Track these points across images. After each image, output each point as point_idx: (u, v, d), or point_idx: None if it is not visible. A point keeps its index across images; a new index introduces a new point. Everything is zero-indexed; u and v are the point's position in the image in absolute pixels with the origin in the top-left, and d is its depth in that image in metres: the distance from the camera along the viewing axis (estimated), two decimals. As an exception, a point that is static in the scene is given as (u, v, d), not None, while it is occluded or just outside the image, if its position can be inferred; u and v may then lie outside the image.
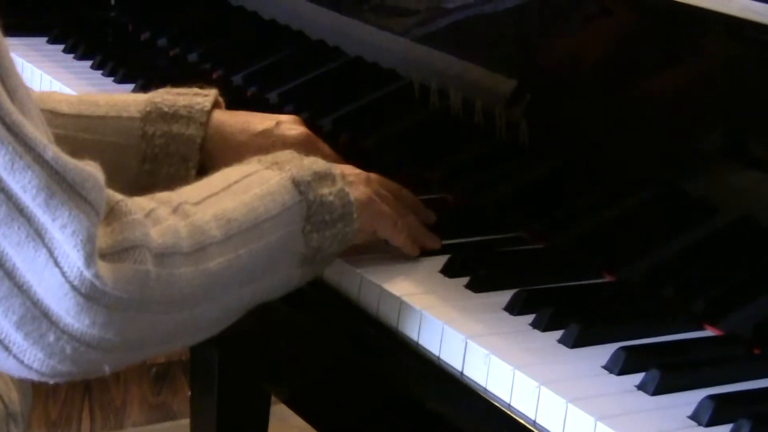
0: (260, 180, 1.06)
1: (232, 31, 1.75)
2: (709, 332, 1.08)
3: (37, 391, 2.47)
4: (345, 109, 1.51)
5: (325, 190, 1.08)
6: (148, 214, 0.96)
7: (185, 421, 2.41)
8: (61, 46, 1.81)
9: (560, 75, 1.23)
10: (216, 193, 1.03)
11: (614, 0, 1.18)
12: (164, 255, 0.95)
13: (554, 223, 1.23)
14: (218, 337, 1.41)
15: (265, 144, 1.21)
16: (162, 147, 1.22)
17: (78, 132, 0.91)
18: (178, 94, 1.25)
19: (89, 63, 1.74)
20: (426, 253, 1.17)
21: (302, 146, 1.20)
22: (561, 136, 1.23)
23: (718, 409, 0.93)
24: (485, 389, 1.00)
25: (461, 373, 1.02)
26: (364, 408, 1.15)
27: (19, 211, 0.88)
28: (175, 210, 0.99)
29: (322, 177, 1.08)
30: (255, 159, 1.10)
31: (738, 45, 1.07)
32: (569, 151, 1.22)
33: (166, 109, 1.23)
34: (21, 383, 1.16)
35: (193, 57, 1.76)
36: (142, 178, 1.21)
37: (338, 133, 1.49)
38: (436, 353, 1.04)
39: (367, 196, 1.12)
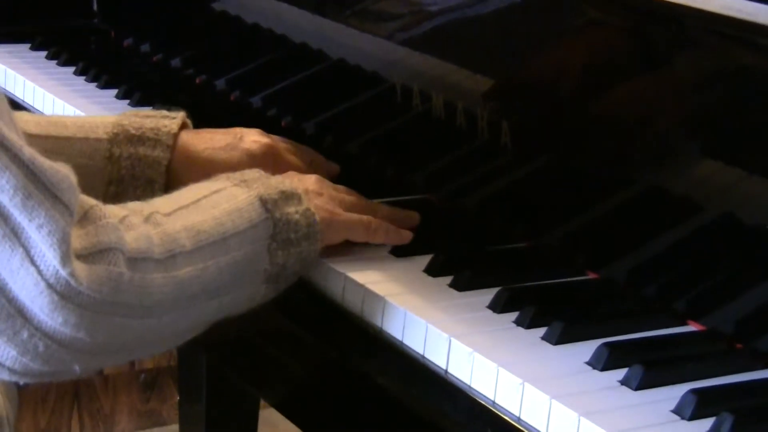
0: (228, 196, 1.08)
1: (214, 36, 1.75)
2: (691, 328, 1.08)
3: (26, 399, 2.48)
4: (328, 112, 1.52)
5: (291, 209, 1.10)
6: (121, 220, 0.99)
7: (174, 427, 2.41)
8: (44, 53, 1.81)
9: (542, 76, 1.23)
10: (186, 206, 1.06)
11: (595, 1, 1.19)
12: (137, 259, 0.97)
13: (537, 222, 1.24)
14: (207, 342, 1.42)
15: (229, 158, 1.24)
16: (128, 169, 1.23)
17: (45, 153, 0.93)
18: (146, 116, 1.27)
19: (72, 69, 1.74)
20: (409, 253, 1.18)
21: (266, 158, 1.24)
22: (543, 136, 1.23)
23: (701, 404, 0.94)
24: (470, 387, 1.00)
25: (446, 371, 1.02)
26: (352, 409, 1.15)
27: None
28: (147, 219, 1.01)
29: (289, 196, 1.11)
30: (224, 176, 1.12)
31: (719, 43, 1.07)
32: (551, 150, 1.23)
33: (133, 132, 1.24)
34: (7, 388, 1.16)
35: (176, 62, 1.77)
36: (108, 200, 1.21)
37: (322, 136, 1.49)
38: (421, 352, 1.05)
39: (329, 212, 1.14)
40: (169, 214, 1.04)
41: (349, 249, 1.16)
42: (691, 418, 0.93)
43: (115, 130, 1.24)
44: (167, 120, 1.26)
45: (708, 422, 0.93)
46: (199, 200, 1.07)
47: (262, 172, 1.13)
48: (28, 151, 0.91)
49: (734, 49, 1.06)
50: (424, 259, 1.16)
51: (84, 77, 1.71)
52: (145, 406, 2.62)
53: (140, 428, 2.61)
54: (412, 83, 1.36)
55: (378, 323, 1.09)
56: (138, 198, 1.20)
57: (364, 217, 1.16)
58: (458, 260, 1.15)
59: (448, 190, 1.33)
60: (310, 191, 1.15)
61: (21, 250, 0.90)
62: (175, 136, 1.25)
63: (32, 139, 1.21)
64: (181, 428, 2.08)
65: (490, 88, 1.28)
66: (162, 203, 1.06)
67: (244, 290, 1.08)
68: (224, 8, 1.70)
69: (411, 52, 1.37)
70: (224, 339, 1.34)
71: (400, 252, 1.18)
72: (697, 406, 0.94)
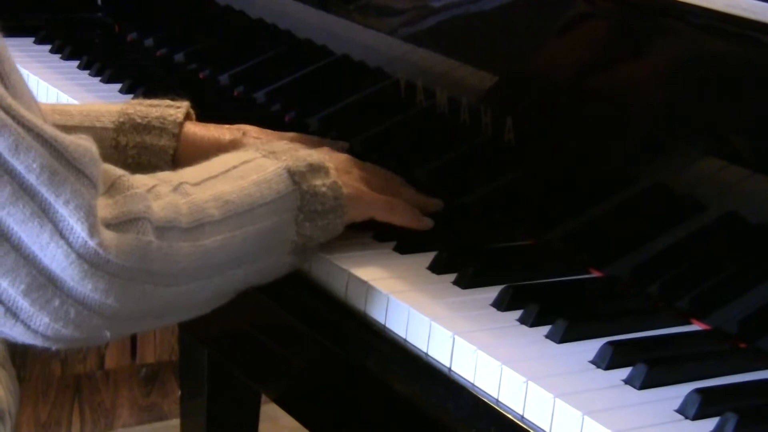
0: (257, 167, 1.10)
1: (218, 31, 1.75)
2: (695, 327, 1.08)
3: (27, 393, 2.48)
4: (332, 107, 1.51)
5: (318, 182, 1.11)
6: (149, 190, 1.01)
7: (175, 422, 2.41)
8: (48, 47, 1.81)
9: (546, 72, 1.23)
10: (215, 176, 1.07)
11: (599, -3, 1.19)
12: (165, 228, 1.00)
13: (541, 220, 1.24)
14: (208, 337, 1.42)
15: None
16: (134, 158, 1.25)
17: None
18: (151, 105, 1.28)
19: (76, 63, 1.74)
20: (413, 250, 1.18)
21: None
22: (547, 134, 1.23)
23: (705, 403, 0.94)
24: (473, 385, 1.00)
25: (449, 369, 1.02)
26: (354, 406, 1.15)
27: (23, 190, 0.92)
28: (176, 189, 1.03)
29: (316, 169, 1.12)
30: (253, 147, 1.14)
31: (722, 41, 1.07)
32: (555, 148, 1.23)
33: (139, 120, 1.25)
34: (8, 382, 1.16)
35: (179, 57, 1.77)
36: None
37: (325, 131, 1.49)
38: (424, 350, 1.05)
39: (359, 190, 1.16)
40: (197, 184, 1.06)
41: (353, 245, 1.16)
42: (695, 417, 0.93)
43: (120, 119, 1.25)
44: (172, 109, 1.27)
45: (712, 422, 0.92)
46: (228, 170, 1.09)
47: (291, 144, 1.15)
48: (50, 129, 0.94)
49: (739, 48, 1.06)
50: (428, 256, 1.16)
51: (88, 71, 1.71)
52: (146, 401, 2.62)
53: (141, 422, 2.61)
54: (416, 79, 1.36)
55: (381, 320, 1.09)
56: None
57: (390, 198, 1.18)
58: (462, 257, 1.15)
59: (451, 187, 1.33)
60: (339, 168, 1.16)
61: (50, 225, 0.92)
62: (181, 125, 1.26)
63: None
64: (182, 423, 2.08)
65: (495, 84, 1.28)
66: (191, 173, 1.08)
67: (270, 260, 1.10)
68: (228, 3, 1.70)
69: (415, 48, 1.37)
70: (226, 334, 1.34)
71: (404, 249, 1.18)
72: (701, 406, 0.93)
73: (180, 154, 1.25)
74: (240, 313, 1.23)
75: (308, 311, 1.17)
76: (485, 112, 1.28)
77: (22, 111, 0.92)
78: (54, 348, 0.99)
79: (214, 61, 1.71)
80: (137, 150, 1.24)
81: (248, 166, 1.10)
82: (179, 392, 2.13)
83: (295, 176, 1.10)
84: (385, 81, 1.41)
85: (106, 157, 1.22)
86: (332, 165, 1.14)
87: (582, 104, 1.19)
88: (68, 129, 1.22)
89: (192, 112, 1.30)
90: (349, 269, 1.12)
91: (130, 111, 1.26)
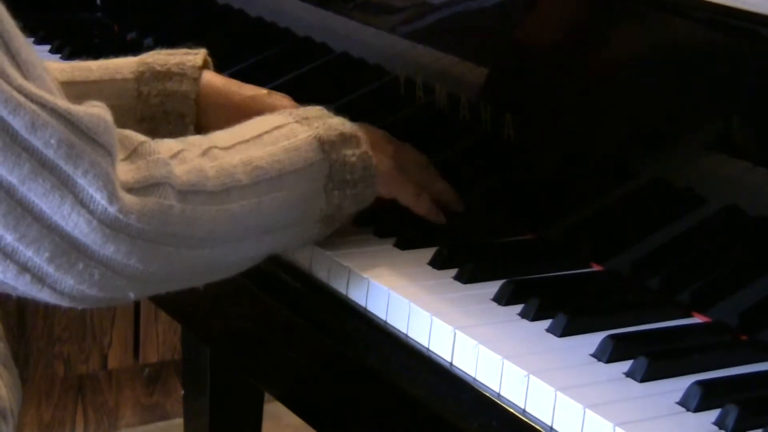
0: (288, 133, 1.11)
1: (218, 30, 1.75)
2: (696, 320, 1.08)
3: (30, 393, 2.48)
4: (331, 104, 1.51)
5: (348, 152, 1.12)
6: (175, 155, 1.02)
7: (178, 421, 2.42)
8: (48, 47, 1.81)
9: (545, 68, 1.23)
10: (246, 141, 1.08)
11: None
12: (188, 192, 1.01)
13: (541, 214, 1.24)
14: (211, 336, 1.42)
15: (254, 109, 1.24)
16: (158, 106, 1.26)
17: (73, 98, 0.96)
18: (169, 54, 1.29)
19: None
20: (413, 245, 1.18)
21: None
22: (547, 129, 1.23)
23: (706, 395, 0.94)
24: (474, 379, 1.00)
25: (450, 364, 1.02)
26: (356, 402, 1.15)
27: (42, 165, 0.93)
28: (205, 153, 1.04)
29: (347, 138, 1.13)
30: (286, 111, 1.15)
31: (722, 34, 1.07)
32: (555, 143, 1.23)
33: (158, 68, 1.27)
34: (11, 382, 1.16)
35: (179, 56, 1.76)
36: None
37: (325, 129, 1.49)
38: (425, 345, 1.05)
39: (391, 168, 1.17)
40: (227, 149, 1.06)
41: (354, 241, 1.16)
42: (696, 409, 0.93)
43: (140, 69, 1.27)
44: (190, 56, 1.29)
45: (713, 414, 0.93)
46: (260, 135, 1.10)
47: (325, 111, 1.16)
48: (63, 103, 0.95)
49: (740, 41, 1.06)
50: (429, 252, 1.16)
51: (87, 71, 1.71)
52: (149, 400, 2.62)
53: (144, 422, 2.62)
54: (415, 76, 1.36)
55: (382, 315, 1.09)
56: (171, 132, 1.23)
57: (417, 188, 1.19)
58: (462, 252, 1.15)
59: (452, 182, 1.33)
60: (375, 144, 1.17)
61: (71, 196, 0.94)
62: (200, 69, 1.27)
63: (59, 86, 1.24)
64: (185, 422, 2.08)
65: (494, 81, 1.28)
66: (222, 137, 1.09)
67: (299, 228, 1.10)
68: (228, 2, 1.70)
69: (414, 44, 1.37)
70: (228, 333, 1.34)
71: (405, 244, 1.18)
72: (702, 398, 0.94)
73: (202, 100, 1.26)
74: (242, 312, 1.24)
75: (309, 308, 1.17)
76: (485, 109, 1.28)
77: (35, 88, 0.93)
78: (80, 308, 1.01)
79: (213, 60, 1.70)
80: (160, 98, 1.25)
81: (280, 131, 1.10)
82: (182, 392, 2.13)
83: (325, 145, 1.11)
84: (384, 78, 1.41)
85: (130, 108, 1.25)
86: (366, 137, 1.15)
87: (581, 99, 1.19)
88: (89, 84, 1.25)
89: (210, 60, 1.31)
90: (350, 265, 1.13)
91: (149, 60, 1.28)
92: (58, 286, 0.97)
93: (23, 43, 0.96)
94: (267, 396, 2.01)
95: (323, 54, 1.52)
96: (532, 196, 1.26)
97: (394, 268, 1.13)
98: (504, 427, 0.97)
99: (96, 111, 0.97)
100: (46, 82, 0.96)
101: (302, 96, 1.56)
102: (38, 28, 1.85)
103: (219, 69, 1.68)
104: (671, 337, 1.05)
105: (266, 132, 1.10)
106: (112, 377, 2.58)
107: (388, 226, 1.20)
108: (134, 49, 1.83)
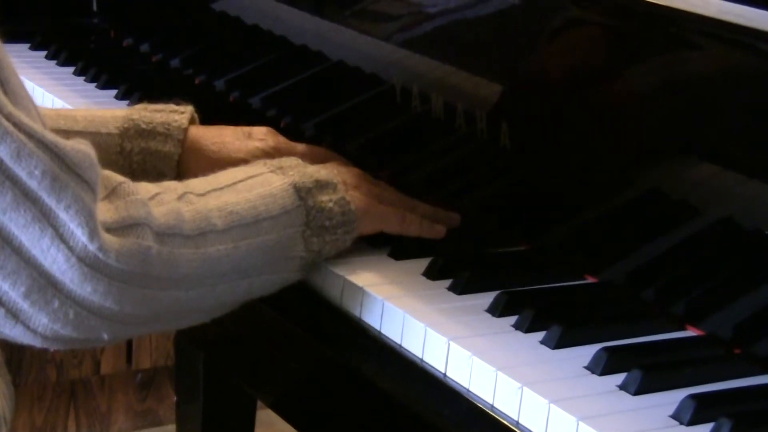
0: (264, 182, 1.11)
1: (214, 37, 1.75)
2: (690, 332, 1.08)
3: (23, 398, 2.47)
4: (327, 113, 1.52)
5: (325, 197, 1.12)
6: (153, 197, 1.02)
7: (171, 427, 2.41)
8: (44, 53, 1.81)
9: (541, 78, 1.23)
10: (221, 188, 1.08)
11: (594, 4, 1.19)
12: (166, 234, 1.01)
13: (536, 225, 1.24)
14: (204, 342, 1.42)
15: (236, 154, 1.26)
16: (140, 163, 1.25)
17: None
18: (156, 110, 1.28)
19: (72, 69, 1.74)
20: (408, 255, 1.18)
21: (272, 151, 1.26)
22: (542, 139, 1.23)
23: (699, 409, 0.94)
24: (468, 391, 1.00)
25: (444, 375, 1.02)
26: (349, 412, 1.15)
27: (24, 195, 0.92)
28: (180, 197, 1.04)
29: (323, 185, 1.13)
30: (261, 162, 1.15)
31: (717, 47, 1.07)
32: (550, 153, 1.23)
33: (144, 126, 1.26)
34: (4, 387, 1.16)
35: (175, 63, 1.77)
36: None
37: (321, 137, 1.49)
38: (419, 355, 1.05)
39: (368, 204, 1.16)
40: (203, 195, 1.06)
41: (348, 251, 1.16)
42: (690, 423, 0.93)
43: (125, 125, 1.26)
44: (177, 114, 1.28)
45: (706, 427, 0.93)
46: (234, 183, 1.10)
47: (300, 161, 1.15)
48: (50, 135, 0.94)
49: (734, 54, 1.06)
50: (423, 262, 1.16)
51: (83, 77, 1.71)
52: (141, 406, 2.62)
53: (137, 428, 2.61)
54: (411, 85, 1.37)
55: (377, 325, 1.09)
56: None
57: (400, 211, 1.19)
58: (457, 263, 1.15)
59: (446, 192, 1.33)
60: (348, 183, 1.17)
61: (50, 230, 0.93)
62: (185, 130, 1.27)
63: None
64: (177, 428, 2.08)
65: (490, 90, 1.28)
66: (197, 184, 1.09)
67: (278, 274, 1.10)
68: (224, 9, 1.70)
69: (410, 53, 1.37)
70: (222, 339, 1.34)
71: (399, 255, 1.18)
72: (695, 411, 0.94)
73: (185, 159, 1.26)
74: (235, 319, 1.23)
75: (304, 317, 1.17)
76: (480, 118, 1.28)
77: (23, 118, 0.93)
78: (52, 349, 1.00)
79: (209, 67, 1.71)
80: (142, 156, 1.25)
81: (255, 180, 1.11)
82: (175, 397, 2.12)
83: (301, 192, 1.11)
84: (380, 86, 1.42)
85: (112, 163, 1.24)
86: (341, 179, 1.15)
87: (577, 110, 1.20)
88: (73, 134, 1.24)
89: (196, 116, 1.30)
90: (345, 275, 1.13)
91: (135, 117, 1.27)
92: (32, 323, 0.96)
93: (13, 72, 0.95)
94: (260, 403, 2.01)
95: (319, 62, 1.52)
96: (527, 206, 1.26)
97: (389, 278, 1.13)
98: (497, 438, 0.97)
99: (82, 147, 0.96)
100: (32, 114, 0.95)
101: (297, 104, 1.56)
102: (34, 34, 1.85)
103: (215, 76, 1.68)
104: (665, 350, 1.05)
105: (240, 180, 1.10)
106: (104, 382, 2.57)
107: (382, 236, 1.20)
108: (130, 55, 1.84)
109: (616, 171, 1.17)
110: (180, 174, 1.25)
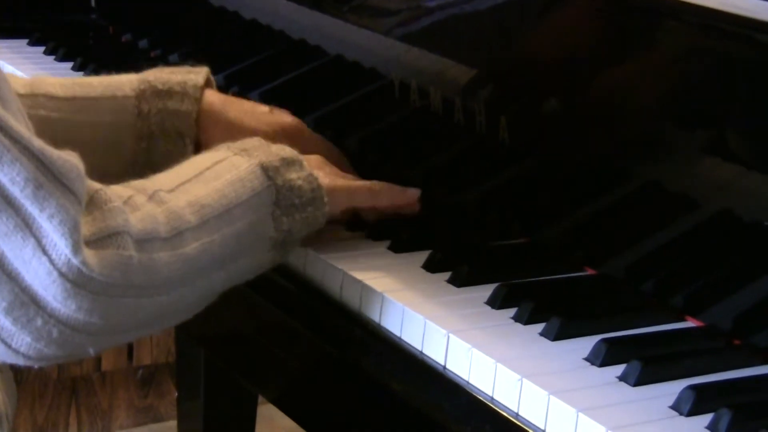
0: (230, 166, 1.09)
1: (213, 32, 1.75)
2: (689, 324, 1.09)
3: (24, 395, 2.48)
4: (326, 107, 1.52)
5: (293, 175, 1.11)
6: (126, 201, 0.99)
7: (172, 423, 2.41)
8: (42, 48, 1.81)
9: (540, 72, 1.23)
10: (188, 180, 1.06)
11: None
12: (144, 240, 0.98)
13: (535, 218, 1.24)
14: (205, 338, 1.42)
15: (257, 126, 1.25)
16: (158, 124, 1.24)
17: (73, 114, 0.94)
18: (171, 72, 1.28)
19: (70, 65, 1.74)
20: (407, 248, 1.18)
21: (294, 136, 1.24)
22: (541, 132, 1.23)
23: (699, 399, 0.94)
24: (468, 383, 1.00)
25: (444, 367, 1.02)
26: (349, 405, 1.15)
27: (7, 202, 0.90)
28: (151, 197, 1.02)
29: (290, 163, 1.11)
30: (224, 146, 1.13)
31: (717, 39, 1.07)
32: (549, 146, 1.23)
33: (160, 87, 1.25)
34: (6, 383, 1.16)
35: (174, 58, 1.76)
36: (139, 156, 1.24)
37: (320, 131, 1.49)
38: (419, 348, 1.05)
39: (331, 179, 1.15)
40: (172, 190, 1.04)
41: (347, 245, 1.16)
42: (690, 413, 0.93)
43: (141, 87, 1.25)
44: (192, 74, 1.27)
45: (706, 418, 0.93)
46: (201, 173, 1.08)
47: (263, 141, 1.14)
48: (38, 142, 0.92)
49: (733, 45, 1.06)
50: (423, 255, 1.16)
51: (82, 73, 1.71)
52: (143, 402, 2.62)
53: (138, 424, 2.61)
54: (410, 79, 1.36)
55: (376, 319, 1.09)
56: (170, 152, 1.23)
57: (368, 183, 1.18)
58: (456, 256, 1.15)
59: (445, 186, 1.33)
60: (313, 164, 1.15)
61: (33, 240, 0.91)
62: (202, 88, 1.26)
63: (59, 102, 1.23)
64: (179, 424, 2.08)
65: (489, 84, 1.28)
66: (165, 179, 1.07)
67: (251, 258, 1.09)
68: (223, 4, 1.70)
69: (409, 47, 1.37)
70: (222, 335, 1.34)
71: (398, 248, 1.18)
72: (695, 402, 0.94)
73: (203, 119, 1.25)
74: (236, 314, 1.24)
75: (303, 311, 1.17)
76: (479, 112, 1.28)
77: (11, 122, 0.91)
78: (36, 366, 0.97)
79: (208, 62, 1.70)
80: (160, 116, 1.24)
81: (221, 165, 1.09)
82: (176, 394, 2.13)
83: (269, 171, 1.10)
84: (379, 81, 1.42)
85: (130, 126, 1.23)
86: (304, 158, 1.14)
87: (576, 103, 1.20)
88: (90, 100, 1.23)
89: (212, 78, 1.30)
90: (344, 268, 1.13)
91: (151, 78, 1.26)
92: (14, 342, 0.94)
93: (2, 76, 0.93)
94: (260, 398, 2.01)
95: (318, 57, 1.52)
96: (526, 199, 1.26)
97: (388, 272, 1.13)
98: (497, 430, 0.97)
99: (70, 158, 0.94)
100: (19, 119, 0.93)
101: (296, 99, 1.56)
102: (33, 30, 1.85)
103: (214, 71, 1.68)
104: (665, 342, 1.05)
105: (207, 168, 1.09)
106: (105, 379, 2.57)
107: (382, 228, 1.20)
108: (129, 50, 1.84)
109: (614, 163, 1.17)
110: (199, 135, 1.24)
